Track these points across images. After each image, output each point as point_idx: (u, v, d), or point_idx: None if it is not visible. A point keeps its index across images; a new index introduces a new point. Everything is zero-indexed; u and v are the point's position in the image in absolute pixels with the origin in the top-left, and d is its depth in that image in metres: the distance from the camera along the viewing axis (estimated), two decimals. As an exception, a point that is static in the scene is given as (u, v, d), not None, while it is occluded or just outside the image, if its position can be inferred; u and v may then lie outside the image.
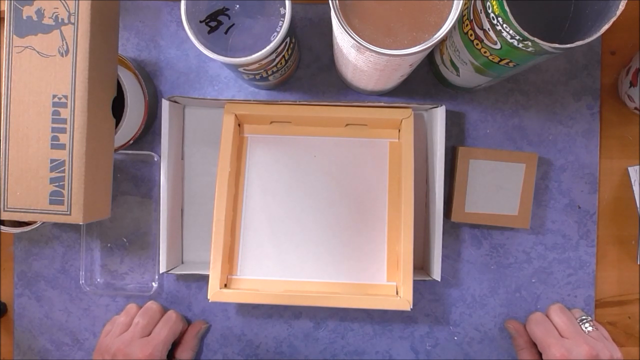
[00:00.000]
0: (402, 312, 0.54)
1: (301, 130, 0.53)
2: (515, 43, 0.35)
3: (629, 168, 0.54)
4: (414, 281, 0.49)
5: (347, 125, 0.52)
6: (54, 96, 0.41)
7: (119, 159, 0.55)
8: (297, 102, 0.49)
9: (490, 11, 0.34)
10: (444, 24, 0.34)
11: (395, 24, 0.35)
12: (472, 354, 0.54)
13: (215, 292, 0.48)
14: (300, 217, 0.52)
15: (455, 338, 0.54)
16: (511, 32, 0.34)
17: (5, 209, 0.42)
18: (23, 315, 0.56)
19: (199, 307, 0.55)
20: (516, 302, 0.54)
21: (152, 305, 0.53)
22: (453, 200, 0.52)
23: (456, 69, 0.46)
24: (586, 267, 0.54)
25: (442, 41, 0.46)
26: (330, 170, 0.52)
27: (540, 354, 0.50)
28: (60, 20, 0.40)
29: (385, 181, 0.52)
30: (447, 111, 0.51)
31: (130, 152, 0.54)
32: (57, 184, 0.41)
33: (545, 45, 0.33)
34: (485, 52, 0.39)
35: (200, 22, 0.39)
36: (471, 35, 0.39)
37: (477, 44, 0.39)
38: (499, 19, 0.34)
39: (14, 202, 0.42)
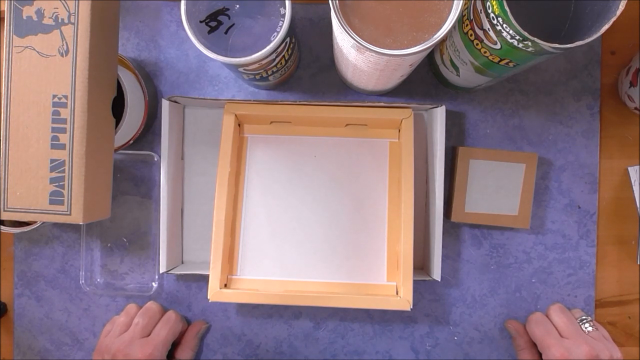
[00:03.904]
0: (402, 312, 0.54)
1: (301, 130, 0.53)
2: (515, 43, 0.35)
3: (629, 168, 0.54)
4: (414, 281, 0.49)
5: (347, 125, 0.52)
6: (54, 96, 0.41)
7: (119, 159, 0.55)
8: (297, 102, 0.49)
9: (490, 11, 0.34)
10: (444, 24, 0.34)
11: (395, 24, 0.35)
12: (472, 354, 0.54)
13: (215, 292, 0.48)
14: (300, 217, 0.52)
15: (455, 338, 0.54)
16: (511, 32, 0.34)
17: (5, 209, 0.42)
18: (23, 315, 0.56)
19: (199, 307, 0.55)
20: (516, 302, 0.54)
21: (152, 305, 0.53)
22: (453, 200, 0.52)
23: (456, 69, 0.46)
24: (586, 267, 0.54)
25: (442, 41, 0.46)
26: (330, 170, 0.52)
27: (540, 354, 0.50)
28: (60, 20, 0.40)
29: (385, 181, 0.52)
30: (447, 111, 0.51)
31: (130, 152, 0.54)
32: (57, 184, 0.41)
33: (545, 45, 0.33)
34: (485, 52, 0.39)
35: (200, 22, 0.39)
36: (471, 35, 0.39)
37: (477, 44, 0.39)
38: (499, 19, 0.34)
39: (14, 202, 0.42)
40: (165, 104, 0.50)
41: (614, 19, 0.33)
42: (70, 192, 0.41)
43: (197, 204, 0.55)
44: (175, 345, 0.53)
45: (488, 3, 0.34)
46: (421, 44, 0.34)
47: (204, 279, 0.54)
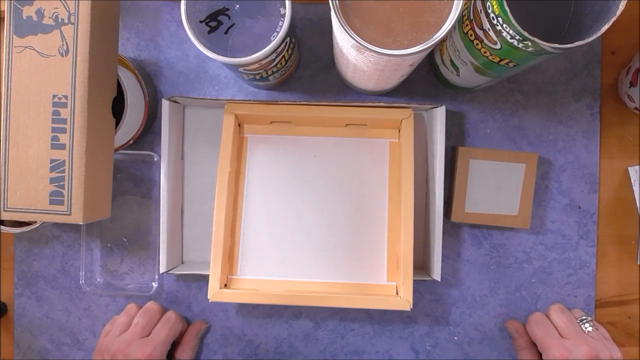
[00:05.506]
0: (402, 312, 0.54)
1: (301, 130, 0.53)
2: (515, 43, 0.35)
3: (629, 168, 0.54)
4: (414, 281, 0.49)
5: (347, 125, 0.52)
6: (54, 96, 0.41)
7: (119, 159, 0.55)
8: (297, 102, 0.49)
9: (490, 11, 0.34)
10: (444, 24, 0.34)
11: (395, 24, 0.35)
12: (472, 354, 0.54)
13: (215, 292, 0.48)
14: (300, 217, 0.52)
15: (455, 338, 0.54)
16: (511, 32, 0.34)
17: (5, 209, 0.42)
18: (23, 315, 0.56)
19: (199, 307, 0.55)
20: (516, 302, 0.54)
21: (152, 305, 0.53)
22: (453, 200, 0.52)
23: (456, 69, 0.46)
24: (586, 267, 0.54)
25: (442, 41, 0.46)
26: (330, 170, 0.52)
27: (540, 354, 0.50)
28: (60, 20, 0.40)
29: (385, 181, 0.52)
30: (447, 111, 0.51)
31: (130, 152, 0.54)
32: (57, 184, 0.41)
33: (545, 45, 0.33)
34: (485, 52, 0.39)
35: (200, 22, 0.39)
36: (471, 35, 0.39)
37: (477, 44, 0.39)
38: (499, 19, 0.34)
39: (14, 202, 0.42)
40: (165, 104, 0.50)
41: (614, 19, 0.33)
42: (70, 192, 0.41)
43: (197, 204, 0.55)
44: (175, 345, 0.53)
45: (488, 3, 0.34)
46: (421, 44, 0.34)
47: (204, 279, 0.54)
